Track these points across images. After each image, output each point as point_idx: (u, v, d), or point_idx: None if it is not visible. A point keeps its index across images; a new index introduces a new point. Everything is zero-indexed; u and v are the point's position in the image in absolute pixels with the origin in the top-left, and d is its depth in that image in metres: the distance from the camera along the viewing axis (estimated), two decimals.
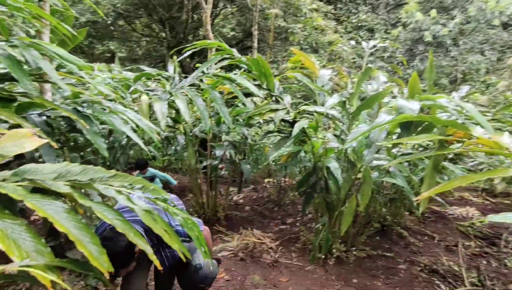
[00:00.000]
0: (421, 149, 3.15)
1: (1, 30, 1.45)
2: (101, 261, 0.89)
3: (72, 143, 2.57)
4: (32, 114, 1.95)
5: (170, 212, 1.25)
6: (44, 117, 2.02)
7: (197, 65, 3.09)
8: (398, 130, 2.30)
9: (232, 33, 14.02)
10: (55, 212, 0.90)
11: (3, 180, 1.04)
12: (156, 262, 1.00)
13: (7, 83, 2.15)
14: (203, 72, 2.76)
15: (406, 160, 2.99)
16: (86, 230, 0.93)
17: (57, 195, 1.18)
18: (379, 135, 2.00)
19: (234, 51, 2.86)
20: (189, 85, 2.69)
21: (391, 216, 3.96)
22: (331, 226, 2.98)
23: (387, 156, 2.59)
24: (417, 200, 1.36)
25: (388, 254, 3.28)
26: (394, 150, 3.06)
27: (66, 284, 2.15)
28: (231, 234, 3.62)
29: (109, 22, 11.27)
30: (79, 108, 1.96)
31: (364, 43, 3.34)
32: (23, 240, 0.73)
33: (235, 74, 3.03)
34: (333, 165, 2.63)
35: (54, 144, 1.43)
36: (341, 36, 11.63)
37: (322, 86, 3.03)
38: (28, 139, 1.16)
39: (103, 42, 12.51)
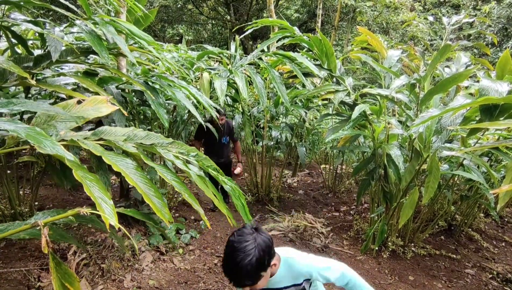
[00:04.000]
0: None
1: (85, 8, 1.63)
2: (163, 213, 0.98)
3: (142, 117, 2.83)
4: (110, 86, 2.19)
5: (220, 180, 1.31)
6: (120, 90, 2.26)
7: (259, 46, 3.09)
8: (478, 116, 2.01)
9: (296, 14, 13.66)
10: (126, 168, 1.01)
11: (85, 138, 1.20)
12: (207, 222, 1.06)
13: (92, 59, 2.43)
14: (263, 50, 2.75)
15: (487, 150, 2.61)
16: (151, 185, 1.03)
17: (126, 154, 1.32)
18: (452, 120, 1.77)
19: (295, 29, 2.77)
20: (249, 64, 2.71)
21: (462, 215, 3.55)
22: (387, 218, 2.80)
23: (461, 146, 2.29)
24: (494, 194, 1.17)
25: (454, 256, 2.97)
26: (471, 141, 2.69)
27: (133, 240, 2.41)
28: (282, 215, 3.65)
29: (179, 6, 11.88)
30: (149, 82, 2.13)
31: (444, 19, 2.93)
32: (93, 187, 0.83)
33: (297, 54, 2.95)
34: (395, 152, 2.43)
35: (125, 112, 1.58)
36: (418, 15, 10.44)
37: (389, 68, 2.78)
38: (103, 104, 1.31)
39: (173, 25, 13.29)
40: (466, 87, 2.88)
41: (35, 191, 2.70)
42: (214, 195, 1.08)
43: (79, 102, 1.20)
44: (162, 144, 1.22)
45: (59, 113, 1.11)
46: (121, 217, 2.60)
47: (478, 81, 3.27)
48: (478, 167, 2.66)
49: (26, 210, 2.66)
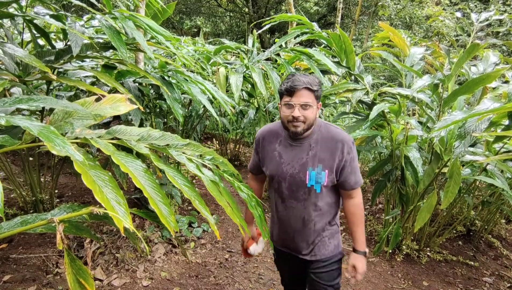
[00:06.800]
0: None
1: (106, 3, 1.64)
2: (169, 221, 0.95)
3: (158, 110, 2.86)
4: (127, 80, 2.22)
5: (235, 187, 1.29)
6: (137, 84, 2.28)
7: (277, 40, 3.04)
8: (506, 121, 1.91)
9: (315, 7, 13.39)
10: (135, 169, 1.00)
11: (99, 136, 1.20)
12: (216, 232, 1.05)
13: (111, 51, 2.46)
14: (280, 46, 2.71)
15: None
16: (158, 190, 1.01)
17: (138, 155, 1.32)
18: (478, 125, 1.69)
19: (315, 25, 2.71)
20: (266, 59, 2.67)
21: (482, 221, 3.42)
22: (403, 220, 2.73)
23: (485, 150, 2.19)
24: None
25: (472, 263, 2.88)
26: (496, 146, 2.57)
27: (147, 232, 2.46)
28: None
29: None
30: (165, 77, 2.14)
31: (473, 15, 2.78)
32: (106, 188, 0.83)
33: (315, 50, 2.90)
34: (414, 154, 2.35)
35: (141, 108, 1.59)
36: (443, 9, 10.01)
37: (411, 66, 2.67)
38: (122, 103, 1.31)
39: (191, 17, 13.32)
40: (494, 88, 2.74)
41: (56, 179, 2.79)
42: (228, 203, 1.07)
43: (97, 99, 1.21)
44: (177, 145, 1.22)
45: (77, 109, 1.12)
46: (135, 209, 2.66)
47: (506, 82, 3.12)
48: (502, 172, 2.54)
49: (47, 197, 2.76)
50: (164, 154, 1.23)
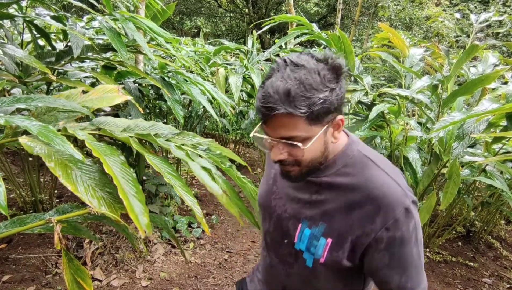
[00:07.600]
0: None
1: (106, 4, 1.65)
2: (140, 219, 0.82)
3: (157, 110, 2.86)
4: (127, 81, 2.22)
5: (234, 177, 1.28)
6: (137, 85, 2.28)
7: (276, 41, 3.05)
8: (505, 122, 1.91)
9: (315, 8, 13.41)
10: (112, 162, 0.91)
11: (83, 128, 1.17)
12: (205, 227, 1.04)
13: (110, 52, 2.46)
14: (280, 47, 2.71)
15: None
16: (135, 184, 0.90)
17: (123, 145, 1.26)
18: (476, 126, 1.69)
19: (314, 26, 2.71)
20: (266, 60, 2.68)
21: (481, 222, 3.42)
22: None
23: (484, 151, 2.19)
24: None
25: (471, 263, 2.88)
26: (495, 147, 2.58)
27: (143, 245, 2.43)
28: None
29: None
30: (165, 78, 2.14)
31: (472, 16, 2.79)
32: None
33: (314, 50, 2.90)
34: (413, 155, 2.35)
35: (140, 109, 1.59)
36: (443, 10, 10.03)
37: (411, 67, 2.68)
38: (113, 94, 1.27)
39: (191, 18, 13.34)
40: (493, 89, 2.74)
41: (55, 179, 2.79)
42: (224, 192, 1.06)
43: (84, 91, 1.19)
44: (167, 134, 1.19)
45: (74, 107, 1.11)
46: None
47: (506, 83, 3.12)
48: (501, 173, 2.54)
49: (46, 197, 2.76)
50: (164, 154, 1.22)
